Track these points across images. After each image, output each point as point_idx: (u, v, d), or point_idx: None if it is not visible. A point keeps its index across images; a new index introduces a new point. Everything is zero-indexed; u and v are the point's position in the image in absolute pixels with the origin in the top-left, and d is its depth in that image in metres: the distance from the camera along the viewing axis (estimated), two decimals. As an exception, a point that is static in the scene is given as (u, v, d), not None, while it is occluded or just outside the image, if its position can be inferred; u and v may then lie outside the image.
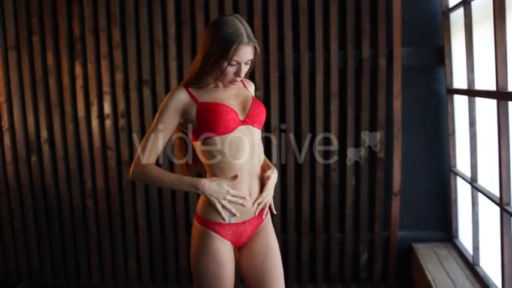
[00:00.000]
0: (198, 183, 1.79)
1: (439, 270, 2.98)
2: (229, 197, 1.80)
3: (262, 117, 1.90)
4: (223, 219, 1.81)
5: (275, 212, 2.01)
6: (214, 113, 1.77)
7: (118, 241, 3.63)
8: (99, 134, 3.54)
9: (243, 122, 1.83)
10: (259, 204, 1.88)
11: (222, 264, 1.82)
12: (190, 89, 1.81)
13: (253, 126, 1.85)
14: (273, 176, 1.91)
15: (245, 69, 1.78)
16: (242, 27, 1.73)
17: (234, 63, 1.74)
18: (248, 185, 1.85)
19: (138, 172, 1.82)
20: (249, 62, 1.78)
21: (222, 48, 1.71)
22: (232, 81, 1.80)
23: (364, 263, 3.47)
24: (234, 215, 1.82)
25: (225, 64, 1.73)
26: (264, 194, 1.88)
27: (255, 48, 1.76)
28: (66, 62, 3.51)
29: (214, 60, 1.73)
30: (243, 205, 1.82)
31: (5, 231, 3.75)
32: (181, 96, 1.79)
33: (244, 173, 1.83)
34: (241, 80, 1.95)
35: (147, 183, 1.87)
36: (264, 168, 1.94)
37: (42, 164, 3.65)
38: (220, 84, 1.85)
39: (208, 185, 1.79)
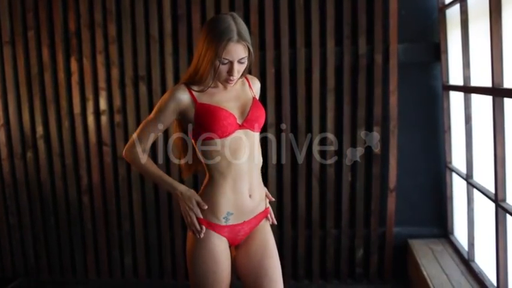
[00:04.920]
0: (177, 187, 1.85)
1: (435, 266, 2.99)
2: (193, 216, 1.82)
3: (261, 120, 1.88)
4: (199, 230, 1.82)
5: (275, 223, 2.03)
6: (212, 116, 1.76)
7: (114, 237, 3.63)
8: (95, 130, 3.53)
9: (241, 126, 1.81)
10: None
11: (219, 260, 1.82)
12: (191, 88, 1.80)
13: (251, 130, 1.84)
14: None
15: (239, 68, 1.75)
16: (234, 24, 1.70)
17: (225, 61, 1.71)
18: (248, 185, 1.84)
19: (131, 156, 1.87)
20: (243, 60, 1.74)
21: (212, 47, 1.69)
22: (227, 81, 1.77)
23: (360, 259, 3.48)
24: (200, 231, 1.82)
25: (217, 63, 1.71)
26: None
27: (248, 47, 1.73)
28: (61, 57, 3.50)
29: (207, 59, 1.72)
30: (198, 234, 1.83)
31: (1, 227, 3.74)
32: (182, 96, 1.78)
33: (244, 174, 1.82)
34: (247, 79, 1.93)
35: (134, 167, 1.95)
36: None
37: (37, 160, 3.64)
38: (220, 84, 1.83)
39: (184, 191, 1.84)
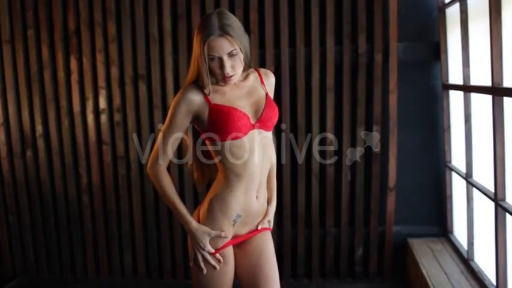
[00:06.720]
0: (189, 222, 1.80)
1: (434, 265, 2.99)
2: (205, 254, 1.80)
3: (275, 120, 1.83)
4: (214, 265, 1.81)
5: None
6: (226, 118, 1.71)
7: (114, 236, 3.63)
8: (94, 129, 3.53)
9: (254, 126, 1.77)
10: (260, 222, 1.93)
11: (226, 261, 1.82)
12: (201, 88, 1.73)
13: (264, 129, 1.80)
14: (271, 212, 1.97)
15: (232, 63, 1.69)
16: (216, 20, 1.65)
17: (213, 58, 1.67)
18: (257, 187, 1.83)
19: (154, 174, 1.80)
20: (233, 53, 1.67)
21: (198, 45, 1.67)
22: (225, 78, 1.71)
23: (359, 258, 3.48)
24: (213, 265, 1.81)
25: (206, 60, 1.67)
26: (265, 219, 1.95)
27: (235, 40, 1.66)
28: (61, 56, 3.49)
29: (199, 58, 1.68)
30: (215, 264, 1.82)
31: (0, 226, 3.73)
32: (194, 97, 1.72)
33: (256, 176, 1.79)
34: (259, 73, 1.88)
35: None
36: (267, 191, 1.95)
37: (37, 159, 3.63)
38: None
39: (196, 228, 1.79)
